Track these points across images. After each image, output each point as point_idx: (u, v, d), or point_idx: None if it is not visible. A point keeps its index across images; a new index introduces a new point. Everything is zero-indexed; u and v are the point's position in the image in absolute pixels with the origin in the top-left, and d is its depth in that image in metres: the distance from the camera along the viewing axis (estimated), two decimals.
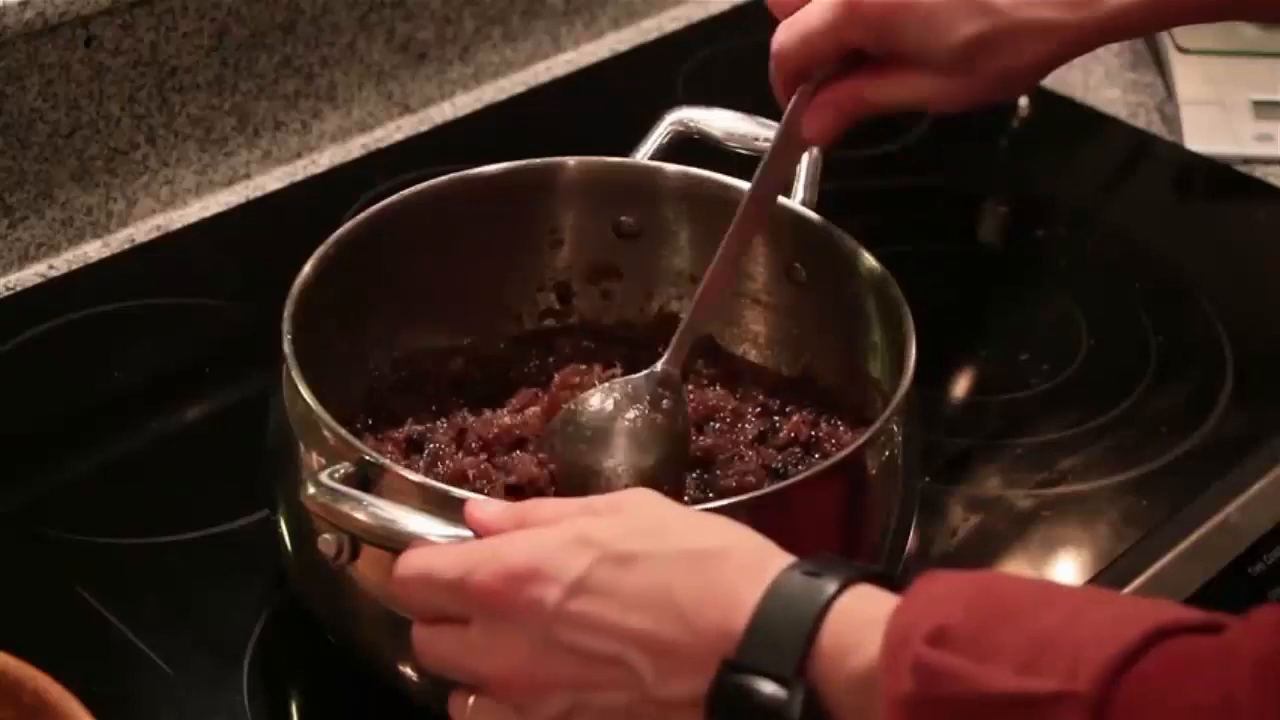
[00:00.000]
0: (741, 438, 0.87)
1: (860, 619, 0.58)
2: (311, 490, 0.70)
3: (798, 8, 0.80)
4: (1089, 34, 0.79)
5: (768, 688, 0.58)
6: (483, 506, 0.68)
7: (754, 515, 0.71)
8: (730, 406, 0.88)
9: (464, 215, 0.90)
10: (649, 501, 0.66)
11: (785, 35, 0.80)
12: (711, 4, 1.44)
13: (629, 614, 0.61)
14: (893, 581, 0.61)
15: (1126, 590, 0.89)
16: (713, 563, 0.62)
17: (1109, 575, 0.90)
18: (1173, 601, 0.57)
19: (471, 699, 0.67)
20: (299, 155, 1.23)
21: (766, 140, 0.89)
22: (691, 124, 0.92)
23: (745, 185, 0.89)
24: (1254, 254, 1.18)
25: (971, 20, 0.77)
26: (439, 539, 0.67)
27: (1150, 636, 0.53)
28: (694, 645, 0.60)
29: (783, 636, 0.58)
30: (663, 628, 0.61)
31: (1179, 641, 0.53)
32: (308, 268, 0.82)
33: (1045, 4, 0.77)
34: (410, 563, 0.67)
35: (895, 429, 0.77)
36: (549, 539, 0.64)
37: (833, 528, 0.76)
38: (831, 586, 0.59)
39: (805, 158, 0.88)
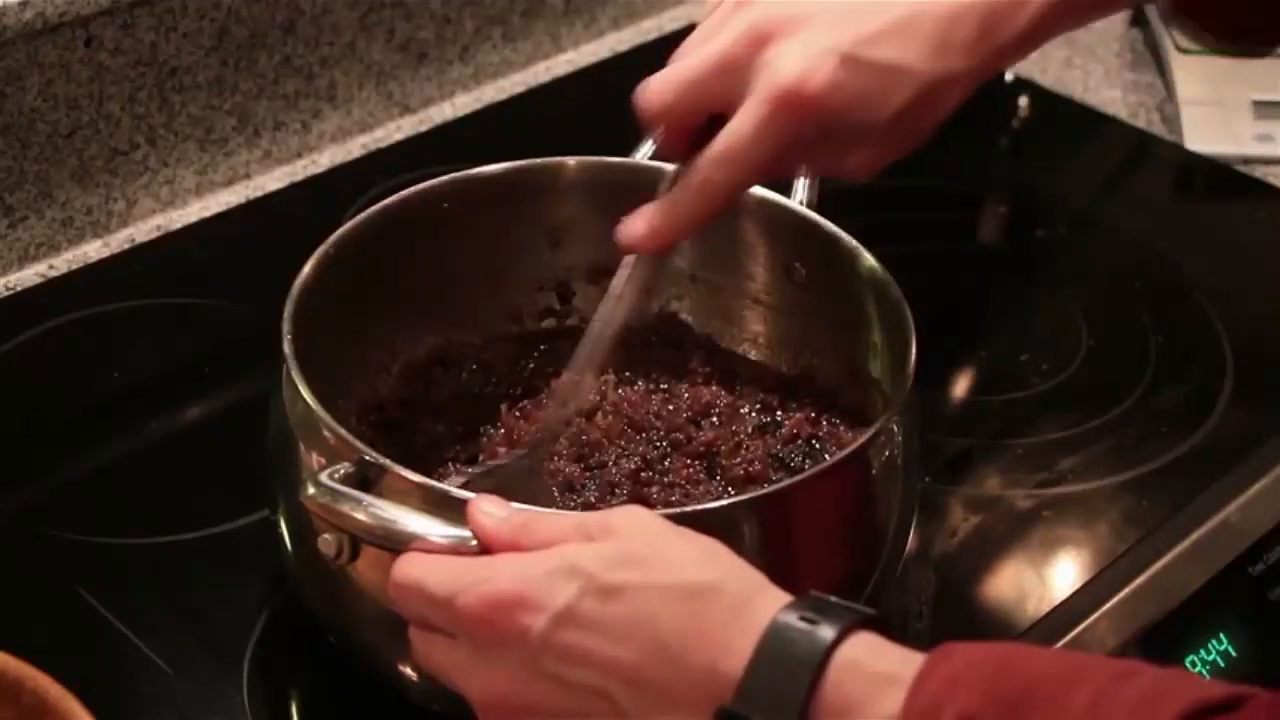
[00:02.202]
0: (741, 429, 0.87)
1: (864, 673, 0.58)
2: (311, 490, 0.70)
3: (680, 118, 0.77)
4: (988, 70, 0.78)
5: None
6: (484, 509, 0.67)
7: (756, 514, 0.72)
8: (724, 401, 0.88)
9: (464, 215, 0.90)
10: (642, 523, 0.65)
11: (723, 168, 0.76)
12: (711, 4, 1.44)
13: (614, 647, 0.61)
14: (885, 625, 0.60)
15: (1126, 591, 0.89)
16: (702, 598, 0.61)
17: (1109, 575, 0.90)
18: (1191, 674, 0.56)
19: None
20: (299, 155, 1.23)
21: None
22: None
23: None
24: (1254, 254, 1.18)
25: (898, 91, 0.75)
26: (439, 539, 0.67)
27: None
28: (680, 682, 0.60)
29: (782, 687, 0.58)
30: (647, 662, 0.60)
31: None
32: (308, 268, 0.82)
33: (950, 52, 0.76)
34: (406, 571, 0.66)
35: (896, 429, 0.77)
36: (536, 567, 0.63)
37: (834, 527, 0.76)
38: (829, 634, 0.58)
39: None
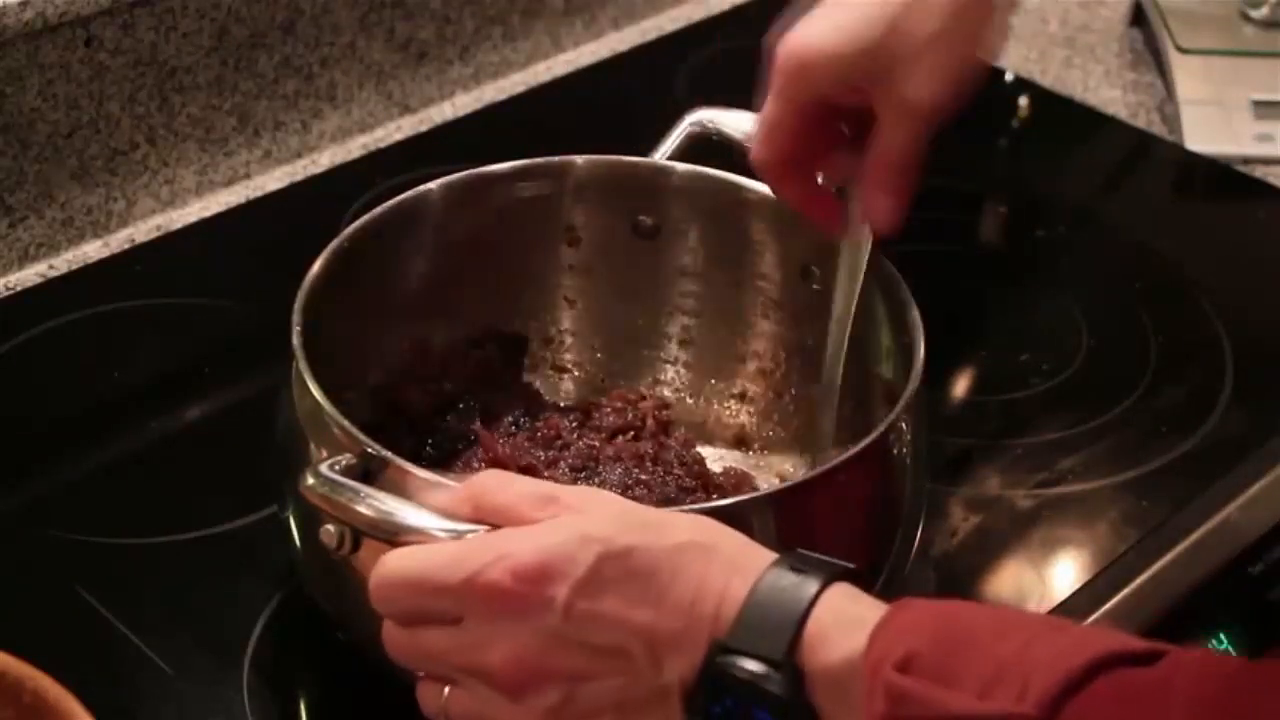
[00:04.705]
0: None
1: (841, 614, 0.63)
2: (310, 481, 0.70)
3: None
4: None
5: (758, 667, 0.62)
6: (436, 497, 0.69)
7: (768, 511, 0.72)
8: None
9: (477, 212, 0.90)
10: (617, 500, 0.68)
11: (756, 146, 0.82)
12: (711, 4, 1.44)
13: (631, 607, 0.64)
14: (863, 577, 0.66)
15: (1126, 591, 0.89)
16: (704, 556, 0.65)
17: (1109, 575, 0.90)
18: (1121, 632, 0.63)
19: (447, 690, 0.67)
20: (299, 155, 1.23)
21: None
22: (710, 125, 0.92)
23: (761, 187, 0.89)
24: (1254, 254, 1.18)
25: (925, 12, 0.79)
26: (440, 533, 0.67)
27: (1092, 666, 0.58)
28: (690, 631, 0.64)
29: (774, 623, 0.63)
30: (663, 618, 0.64)
31: (1119, 673, 0.58)
32: (319, 262, 0.82)
33: None
34: (400, 566, 0.67)
35: (905, 426, 0.77)
36: (551, 538, 0.64)
37: (844, 524, 0.76)
38: (816, 582, 0.63)
39: None
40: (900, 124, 0.81)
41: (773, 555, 0.65)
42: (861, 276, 0.84)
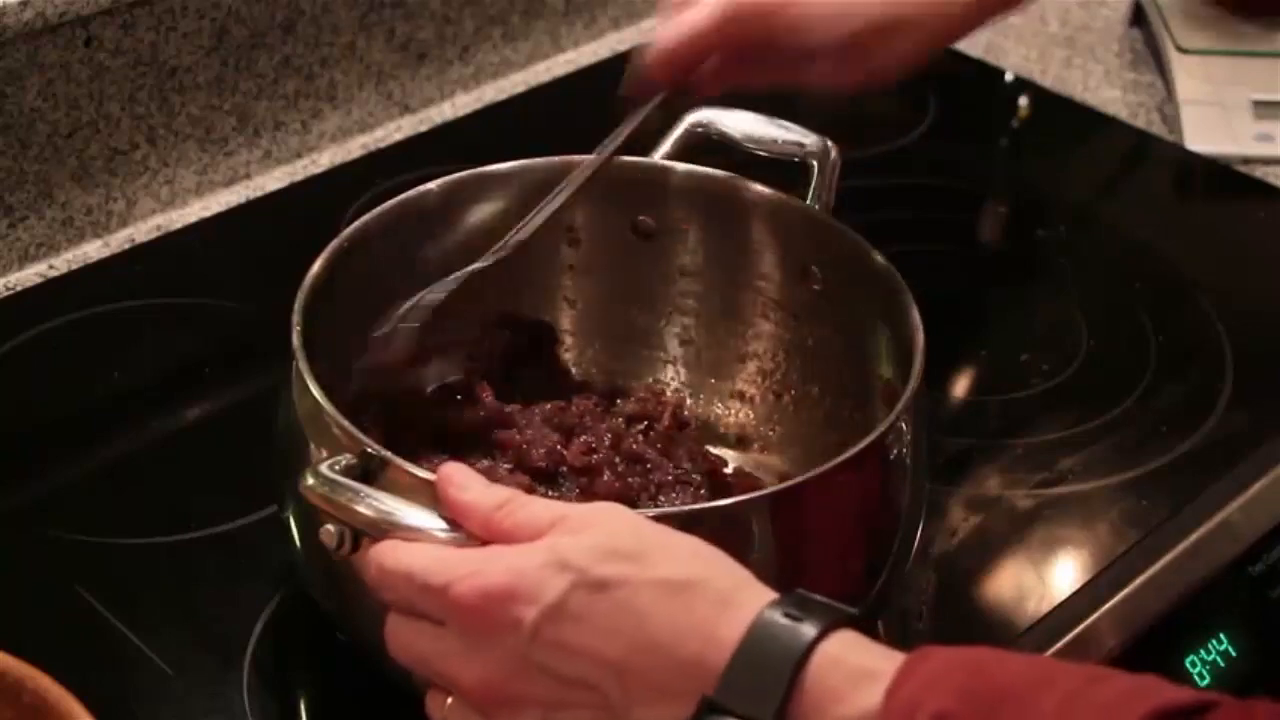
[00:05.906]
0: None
1: (845, 667, 0.60)
2: (310, 481, 0.70)
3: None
4: (953, 27, 0.91)
5: None
6: (457, 482, 0.67)
7: (771, 511, 0.72)
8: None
9: (477, 212, 0.90)
10: (624, 519, 0.66)
11: (671, 31, 0.87)
12: None
13: (603, 641, 0.62)
14: (866, 625, 0.62)
15: (1126, 591, 0.89)
16: (689, 592, 0.62)
17: (1109, 575, 0.90)
18: (1160, 679, 0.58)
19: (449, 700, 0.67)
20: (299, 155, 1.23)
21: (787, 143, 0.89)
22: (710, 125, 0.92)
23: (760, 187, 0.89)
24: (1254, 254, 1.18)
25: (847, 20, 0.87)
26: (439, 534, 0.67)
27: None
28: (667, 674, 0.61)
29: (764, 678, 0.59)
30: (636, 655, 0.62)
31: None
32: (319, 262, 0.82)
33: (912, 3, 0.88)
34: (394, 557, 0.67)
35: (904, 426, 0.77)
36: (528, 560, 0.64)
37: (843, 524, 0.76)
38: (812, 631, 0.60)
39: (824, 161, 0.88)
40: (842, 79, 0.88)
41: (769, 595, 0.62)
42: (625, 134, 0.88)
